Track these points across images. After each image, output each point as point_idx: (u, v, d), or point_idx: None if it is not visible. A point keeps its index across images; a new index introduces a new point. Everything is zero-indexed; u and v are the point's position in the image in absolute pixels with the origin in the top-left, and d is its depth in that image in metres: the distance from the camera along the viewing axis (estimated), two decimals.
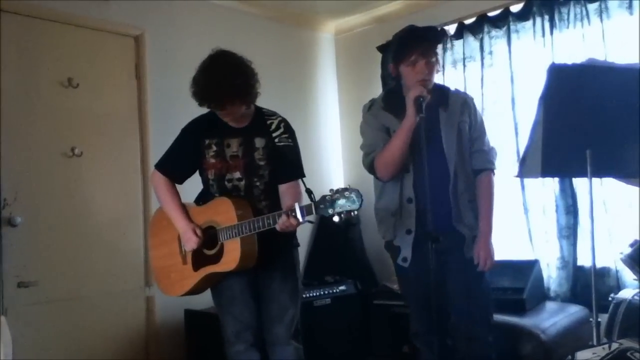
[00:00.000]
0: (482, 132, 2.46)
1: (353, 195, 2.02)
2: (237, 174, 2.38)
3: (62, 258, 3.16)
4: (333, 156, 4.58)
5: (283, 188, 2.38)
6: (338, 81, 4.76)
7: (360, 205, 2.03)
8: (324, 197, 2.06)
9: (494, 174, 2.47)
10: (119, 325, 3.35)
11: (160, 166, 2.51)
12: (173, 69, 3.70)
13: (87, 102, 3.31)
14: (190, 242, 2.36)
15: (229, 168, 2.39)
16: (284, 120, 2.46)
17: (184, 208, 2.45)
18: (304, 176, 2.41)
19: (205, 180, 2.47)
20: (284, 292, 2.41)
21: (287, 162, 2.38)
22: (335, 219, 2.04)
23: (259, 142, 2.39)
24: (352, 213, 2.04)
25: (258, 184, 2.38)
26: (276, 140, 2.39)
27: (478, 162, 2.44)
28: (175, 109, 3.67)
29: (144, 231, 3.47)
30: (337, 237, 4.29)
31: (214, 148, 2.40)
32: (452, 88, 2.59)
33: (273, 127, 2.41)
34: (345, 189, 2.05)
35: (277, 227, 2.16)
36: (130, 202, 3.46)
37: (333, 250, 4.26)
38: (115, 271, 3.36)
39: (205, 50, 3.82)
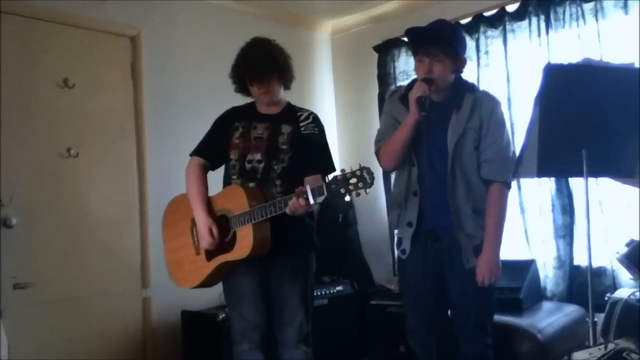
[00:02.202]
0: (495, 140, 2.30)
1: (364, 174, 2.04)
2: (258, 156, 2.40)
3: (59, 259, 3.14)
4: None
5: (308, 178, 2.32)
6: (334, 81, 4.76)
7: (372, 183, 2.04)
8: (335, 177, 2.07)
9: (507, 187, 2.33)
10: (115, 326, 3.34)
11: (194, 151, 2.57)
12: (169, 69, 3.70)
13: (83, 102, 3.30)
14: (204, 240, 2.37)
15: (250, 148, 2.42)
16: (313, 114, 2.51)
17: (206, 198, 2.45)
18: (334, 170, 2.39)
19: (227, 164, 2.49)
20: (294, 294, 2.40)
21: (314, 152, 2.40)
22: (347, 198, 2.06)
23: (286, 129, 2.43)
24: (365, 191, 2.05)
25: (276, 167, 2.38)
26: (302, 128, 2.43)
27: (488, 172, 2.31)
28: (172, 109, 3.68)
29: (141, 232, 3.47)
30: (334, 237, 4.29)
31: (241, 130, 2.47)
32: (480, 88, 2.50)
33: (302, 117, 2.47)
34: (357, 169, 2.05)
35: (287, 209, 2.16)
36: (126, 202, 3.45)
37: (330, 250, 4.24)
38: (111, 272, 3.34)
39: (202, 49, 3.86)
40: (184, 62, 3.78)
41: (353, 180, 2.03)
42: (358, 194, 2.05)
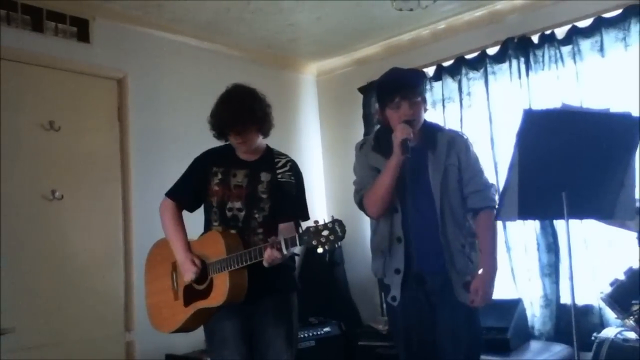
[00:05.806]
0: (476, 171, 2.40)
1: (336, 226, 2.06)
2: (238, 204, 2.40)
3: (41, 303, 3.09)
4: (316, 195, 4.59)
5: (282, 226, 2.36)
6: (320, 121, 4.82)
7: (343, 237, 2.06)
8: (308, 228, 2.09)
9: (494, 210, 2.36)
10: None
11: (170, 193, 2.53)
12: (155, 111, 3.72)
13: (69, 144, 3.31)
14: (189, 272, 2.34)
15: (230, 197, 2.41)
16: (291, 161, 2.51)
17: (186, 239, 2.44)
18: (307, 219, 2.41)
19: (207, 210, 2.48)
20: (279, 337, 2.36)
21: (288, 200, 2.39)
22: (319, 250, 2.07)
23: (265, 177, 2.43)
24: (335, 244, 2.07)
25: (257, 216, 2.39)
26: (279, 176, 2.43)
27: (477, 201, 2.37)
28: (158, 151, 3.69)
29: (125, 274, 3.43)
30: (321, 277, 4.27)
31: (220, 176, 2.44)
32: (446, 127, 2.54)
33: (279, 164, 2.46)
34: (329, 221, 2.08)
35: (265, 262, 2.18)
36: (111, 244, 3.43)
37: (317, 290, 4.21)
38: (94, 316, 3.29)
39: (188, 92, 3.89)
40: (171, 104, 3.82)
41: (325, 233, 2.06)
42: (330, 246, 2.07)
